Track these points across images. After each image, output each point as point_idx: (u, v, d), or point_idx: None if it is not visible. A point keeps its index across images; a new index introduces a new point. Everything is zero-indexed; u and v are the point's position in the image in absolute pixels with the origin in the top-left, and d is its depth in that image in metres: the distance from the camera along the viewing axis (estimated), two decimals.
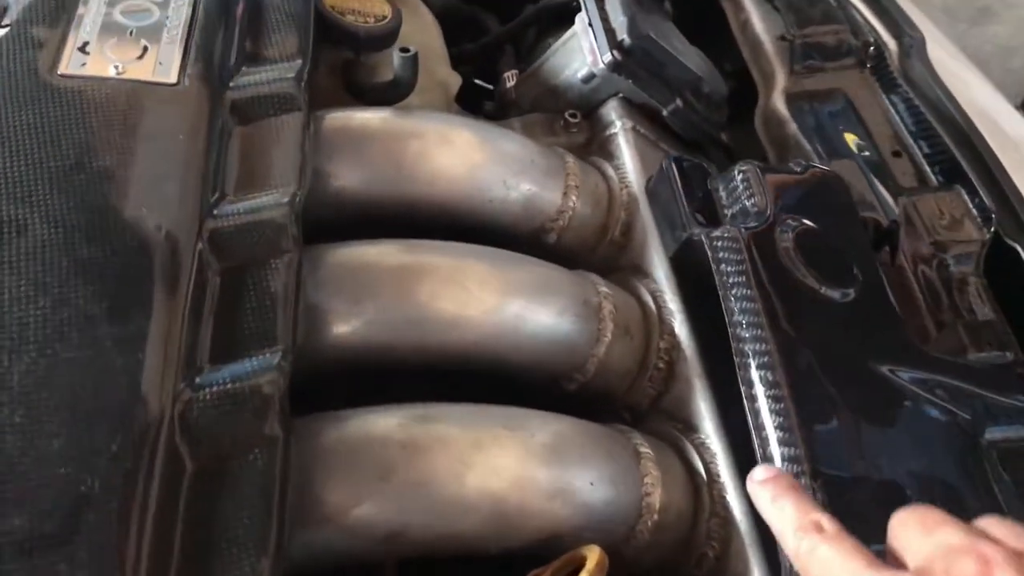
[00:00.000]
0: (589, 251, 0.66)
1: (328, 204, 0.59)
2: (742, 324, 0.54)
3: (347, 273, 0.55)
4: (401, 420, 0.49)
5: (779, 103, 0.84)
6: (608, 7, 0.71)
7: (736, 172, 0.63)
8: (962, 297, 0.71)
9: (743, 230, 0.58)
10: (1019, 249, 0.71)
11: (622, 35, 0.69)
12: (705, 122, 0.75)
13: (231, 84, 0.57)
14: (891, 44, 0.88)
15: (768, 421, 0.51)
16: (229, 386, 0.44)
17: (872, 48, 0.88)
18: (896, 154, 0.81)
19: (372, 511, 0.46)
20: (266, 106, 0.56)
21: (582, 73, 0.71)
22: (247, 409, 0.44)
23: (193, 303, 0.46)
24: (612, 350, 0.58)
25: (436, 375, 0.56)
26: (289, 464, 0.44)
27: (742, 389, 0.52)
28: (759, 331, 0.54)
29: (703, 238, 0.58)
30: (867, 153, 0.81)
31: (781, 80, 0.87)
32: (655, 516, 0.51)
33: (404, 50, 0.62)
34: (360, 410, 0.50)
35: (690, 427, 0.56)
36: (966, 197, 0.75)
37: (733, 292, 0.55)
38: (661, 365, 0.59)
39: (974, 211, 0.74)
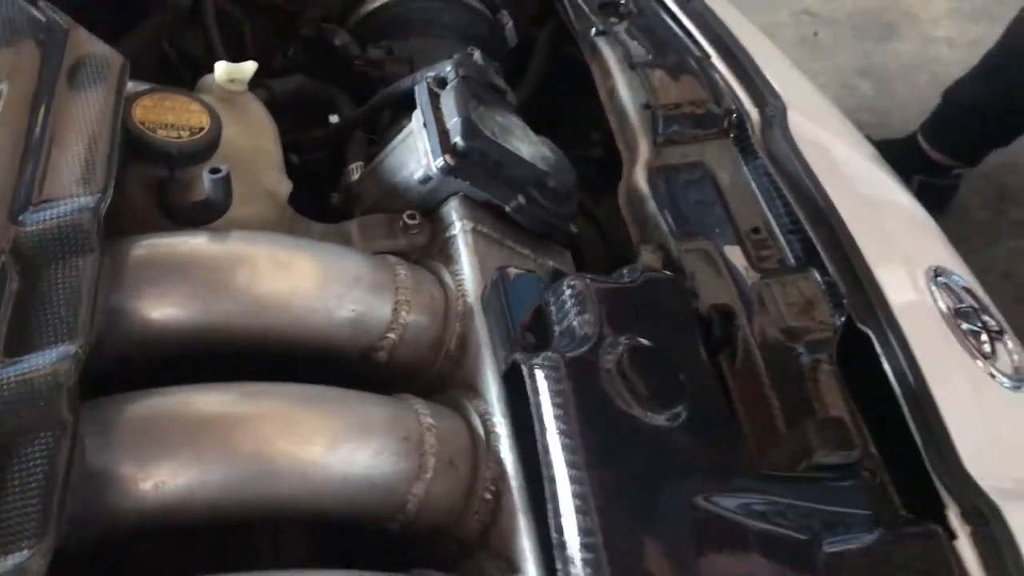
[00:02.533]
0: (426, 366, 0.64)
1: (136, 343, 0.56)
2: (555, 463, 0.52)
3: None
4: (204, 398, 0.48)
5: (640, 178, 0.83)
6: (443, 105, 0.69)
7: (565, 287, 0.61)
8: (814, 387, 0.70)
9: (565, 355, 0.56)
10: (871, 335, 0.71)
11: (455, 138, 0.66)
12: (553, 215, 0.73)
13: (21, 219, 0.54)
14: (753, 113, 0.87)
15: (580, 572, 0.49)
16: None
17: (734, 116, 0.87)
18: (755, 231, 0.80)
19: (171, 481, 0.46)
20: (54, 247, 0.53)
21: (418, 175, 0.69)
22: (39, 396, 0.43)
23: None
24: (434, 487, 0.56)
25: None
26: (76, 447, 0.45)
27: (553, 536, 0.51)
28: (575, 471, 0.52)
29: (522, 364, 0.56)
30: (725, 232, 0.80)
31: (644, 153, 0.85)
32: None
33: (215, 171, 0.59)
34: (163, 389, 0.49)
35: (512, 568, 0.55)
36: (819, 279, 0.74)
37: (549, 426, 0.54)
38: (487, 496, 0.57)
39: (824, 293, 0.73)
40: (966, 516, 0.61)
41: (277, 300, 0.59)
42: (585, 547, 0.50)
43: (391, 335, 0.62)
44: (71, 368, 0.48)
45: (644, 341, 0.59)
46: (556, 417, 0.54)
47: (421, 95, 0.69)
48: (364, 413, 0.56)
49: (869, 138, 1.78)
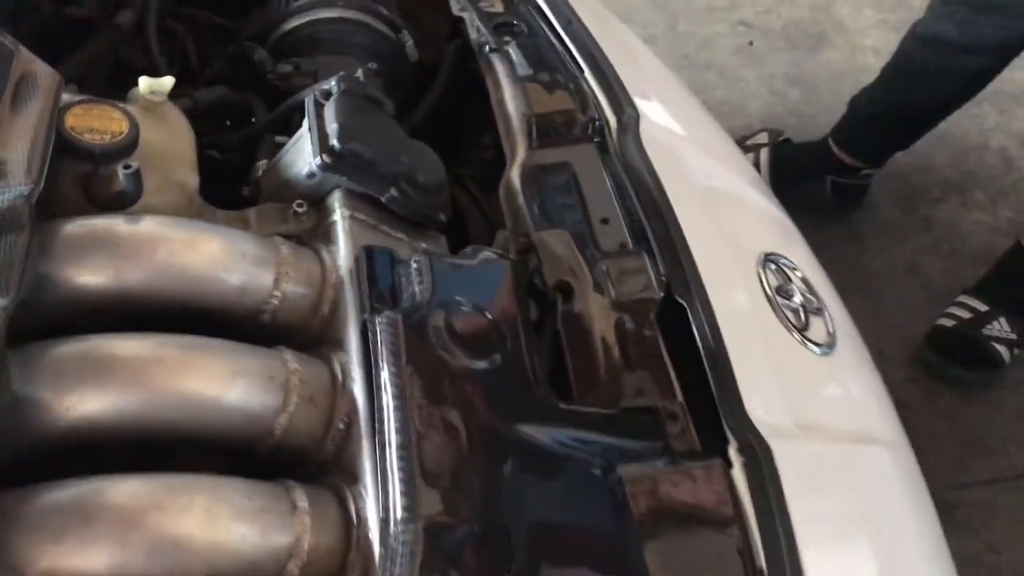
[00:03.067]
0: (304, 327, 0.79)
1: (58, 306, 0.71)
2: (386, 396, 0.67)
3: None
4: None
5: (515, 176, 0.98)
6: (326, 113, 0.83)
7: (412, 261, 0.76)
8: (635, 348, 0.84)
9: (402, 314, 0.71)
10: (686, 306, 0.85)
11: (332, 140, 0.81)
12: (423, 206, 0.87)
13: None
14: (612, 121, 1.02)
15: (395, 478, 0.64)
16: None
17: (596, 124, 1.01)
18: (604, 220, 0.94)
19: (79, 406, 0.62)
20: None
21: (305, 171, 0.83)
22: None
23: None
24: (296, 418, 0.70)
25: None
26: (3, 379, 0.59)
27: (377, 451, 0.65)
28: (399, 402, 0.67)
29: (367, 321, 0.71)
30: (579, 221, 0.94)
31: (520, 154, 1.00)
32: (304, 557, 0.64)
33: (127, 166, 0.74)
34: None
35: (354, 479, 0.69)
36: (647, 260, 0.88)
37: (383, 368, 0.68)
38: (341, 426, 0.72)
39: (651, 271, 0.87)
40: (741, 450, 0.76)
41: (178, 270, 0.74)
42: (400, 458, 0.64)
43: (273, 300, 0.77)
44: (1, 317, 0.62)
45: (469, 305, 0.74)
46: (388, 361, 0.68)
47: (308, 105, 0.84)
48: (240, 358, 0.71)
49: (788, 140, 1.94)
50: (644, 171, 0.95)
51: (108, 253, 0.73)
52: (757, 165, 1.93)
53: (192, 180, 0.83)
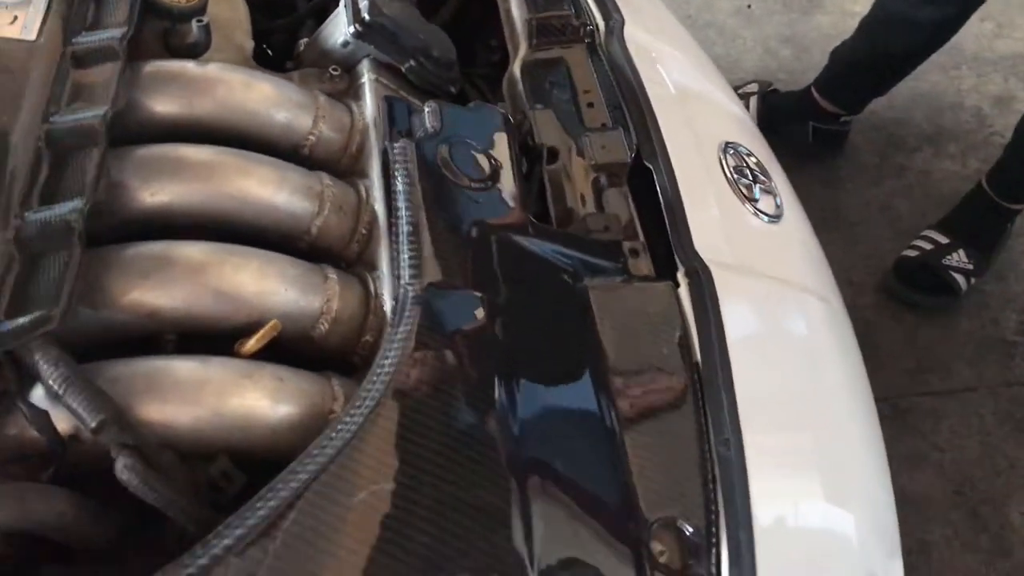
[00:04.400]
0: (336, 160, 0.97)
1: (141, 126, 0.89)
2: (399, 199, 0.85)
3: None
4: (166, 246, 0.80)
5: (516, 69, 1.15)
6: None
7: (426, 106, 0.94)
8: (608, 202, 1.02)
9: (414, 144, 0.89)
10: (651, 168, 1.02)
11: (364, 13, 0.99)
12: (436, 77, 1.05)
13: (74, 41, 0.88)
14: (601, 25, 1.19)
15: (406, 254, 0.82)
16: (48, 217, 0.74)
17: (588, 27, 1.19)
18: (589, 105, 1.12)
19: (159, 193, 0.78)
20: (95, 56, 0.87)
21: (340, 40, 1.02)
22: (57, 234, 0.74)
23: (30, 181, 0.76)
24: (328, 220, 0.88)
25: None
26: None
27: (392, 240, 0.83)
28: (409, 201, 0.85)
29: (387, 148, 0.89)
30: (568, 103, 1.12)
31: (522, 52, 1.17)
32: (332, 315, 0.82)
33: (200, 20, 0.92)
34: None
35: (374, 268, 0.87)
36: (623, 135, 1.06)
37: (398, 179, 0.86)
38: (364, 232, 0.90)
39: (625, 143, 1.05)
40: (688, 274, 0.93)
41: (237, 104, 0.92)
42: (410, 245, 0.82)
43: (311, 138, 0.95)
44: (79, 216, 0.76)
45: (470, 141, 0.92)
46: (402, 174, 0.86)
47: None
48: (287, 172, 0.89)
49: (776, 90, 2.10)
50: (625, 66, 1.12)
51: (182, 87, 0.91)
52: (746, 111, 2.10)
53: (247, 44, 1.01)
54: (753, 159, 1.17)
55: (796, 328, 1.02)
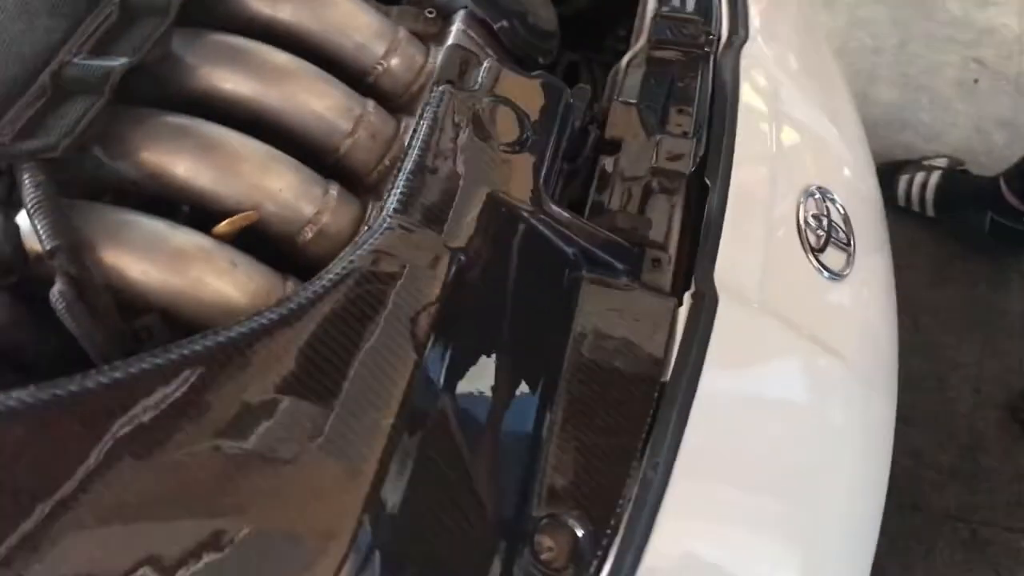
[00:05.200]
0: (397, 95, 1.00)
1: (221, 13, 0.96)
2: (416, 139, 0.87)
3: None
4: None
5: (624, 61, 1.14)
6: None
7: (486, 60, 0.95)
8: (652, 208, 0.99)
9: (454, 92, 0.91)
10: (708, 184, 0.99)
11: None
12: (528, 44, 1.06)
13: None
14: (724, 37, 1.15)
15: (399, 189, 0.83)
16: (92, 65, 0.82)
17: (710, 36, 1.15)
18: (680, 111, 1.09)
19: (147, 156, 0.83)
20: None
21: None
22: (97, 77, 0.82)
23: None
24: (358, 144, 0.92)
25: None
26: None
27: (395, 175, 0.86)
28: (423, 145, 0.86)
29: (436, 94, 0.91)
30: (656, 106, 1.09)
31: (637, 46, 1.16)
32: (318, 227, 0.85)
33: None
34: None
35: (379, 199, 0.90)
36: (693, 145, 1.02)
37: (423, 122, 0.88)
38: (387, 163, 0.92)
39: (691, 155, 1.01)
40: (694, 295, 0.89)
41: (316, 14, 0.97)
42: (407, 178, 0.83)
43: (379, 67, 0.98)
44: (119, 70, 0.82)
45: (514, 105, 0.92)
46: (428, 117, 0.88)
47: None
48: (334, 88, 0.93)
49: (966, 171, 1.93)
50: (728, 83, 1.08)
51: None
52: (925, 185, 1.95)
53: None
54: (841, 212, 1.10)
55: (796, 388, 0.95)
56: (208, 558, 0.62)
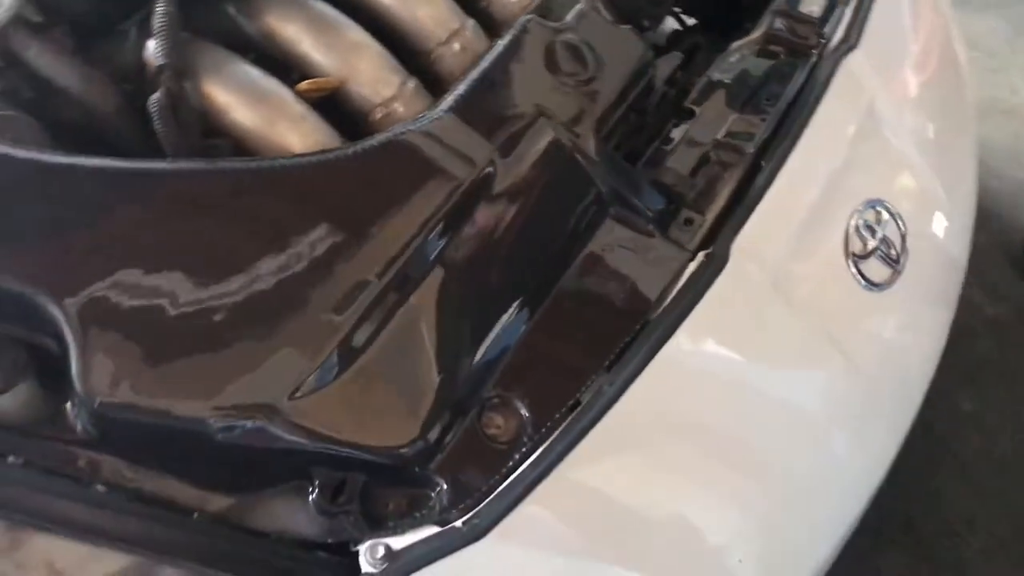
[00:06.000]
0: (507, 19, 1.10)
1: None
2: (488, 54, 0.97)
3: None
4: None
5: (733, 45, 1.20)
6: None
7: (582, 3, 1.03)
8: (706, 171, 1.05)
9: (535, 23, 1.00)
10: (764, 167, 1.04)
11: None
12: (636, 7, 1.14)
13: None
14: (834, 41, 1.18)
15: (457, 93, 0.94)
16: None
17: (821, 40, 1.19)
18: (768, 99, 1.14)
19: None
20: None
21: None
22: None
23: None
24: (448, 52, 1.04)
25: None
26: None
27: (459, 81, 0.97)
28: (493, 59, 0.96)
29: (521, 19, 1.01)
30: (746, 91, 1.14)
31: (750, 36, 1.21)
32: (390, 110, 0.98)
33: None
34: None
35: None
36: (762, 129, 1.07)
37: (500, 41, 0.98)
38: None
39: (757, 138, 1.06)
40: (707, 255, 0.96)
41: None
42: (467, 87, 0.94)
43: None
44: None
45: (591, 47, 1.01)
46: (506, 40, 0.98)
47: None
48: (440, 4, 1.05)
49: None
50: (819, 84, 1.12)
51: None
52: None
53: None
54: (900, 231, 1.11)
55: (778, 366, 0.99)
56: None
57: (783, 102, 1.11)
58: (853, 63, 1.16)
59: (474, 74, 0.95)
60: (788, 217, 1.03)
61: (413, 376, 0.83)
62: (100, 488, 0.76)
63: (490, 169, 0.89)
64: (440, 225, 0.86)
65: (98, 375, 0.75)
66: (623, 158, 1.05)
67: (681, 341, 0.90)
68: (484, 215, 0.89)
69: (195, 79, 0.90)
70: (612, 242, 0.95)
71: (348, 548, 0.80)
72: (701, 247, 0.97)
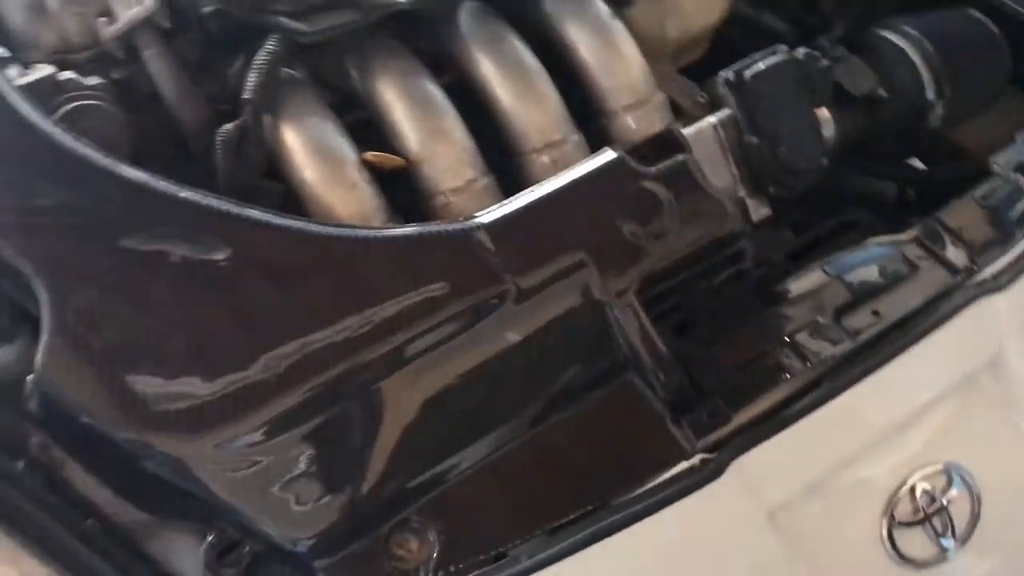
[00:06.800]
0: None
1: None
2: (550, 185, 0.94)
3: None
4: None
5: (877, 239, 1.09)
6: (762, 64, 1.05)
7: (681, 156, 0.97)
8: (751, 370, 0.96)
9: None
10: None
11: (746, 74, 1.04)
12: (769, 169, 1.05)
13: None
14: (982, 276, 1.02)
15: None
16: None
17: (969, 267, 1.03)
18: (872, 311, 1.01)
19: None
20: None
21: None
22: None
23: None
24: (538, 162, 1.02)
25: None
26: None
27: None
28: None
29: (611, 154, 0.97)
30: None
31: (902, 235, 1.08)
32: (448, 201, 0.97)
33: None
34: None
35: None
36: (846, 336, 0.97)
37: (580, 170, 0.95)
38: None
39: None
40: (702, 460, 0.87)
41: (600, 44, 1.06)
42: None
43: (616, 113, 1.06)
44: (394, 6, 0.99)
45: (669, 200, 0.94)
46: (586, 170, 0.94)
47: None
48: (555, 109, 1.03)
49: None
50: (941, 313, 0.98)
51: None
52: None
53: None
54: (970, 514, 0.96)
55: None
56: None
57: (888, 321, 0.99)
58: (994, 304, 1.01)
59: (533, 195, 0.92)
60: (827, 449, 0.92)
61: (341, 470, 0.82)
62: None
63: (494, 299, 0.85)
64: (425, 332, 0.84)
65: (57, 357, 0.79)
66: (678, 324, 0.99)
67: (637, 532, 0.83)
68: (478, 338, 0.86)
69: (275, 119, 0.94)
70: (611, 408, 0.90)
71: None
72: (713, 447, 0.89)
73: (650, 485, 0.86)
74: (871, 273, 1.05)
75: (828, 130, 1.10)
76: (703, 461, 0.87)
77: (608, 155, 0.95)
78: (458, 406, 0.86)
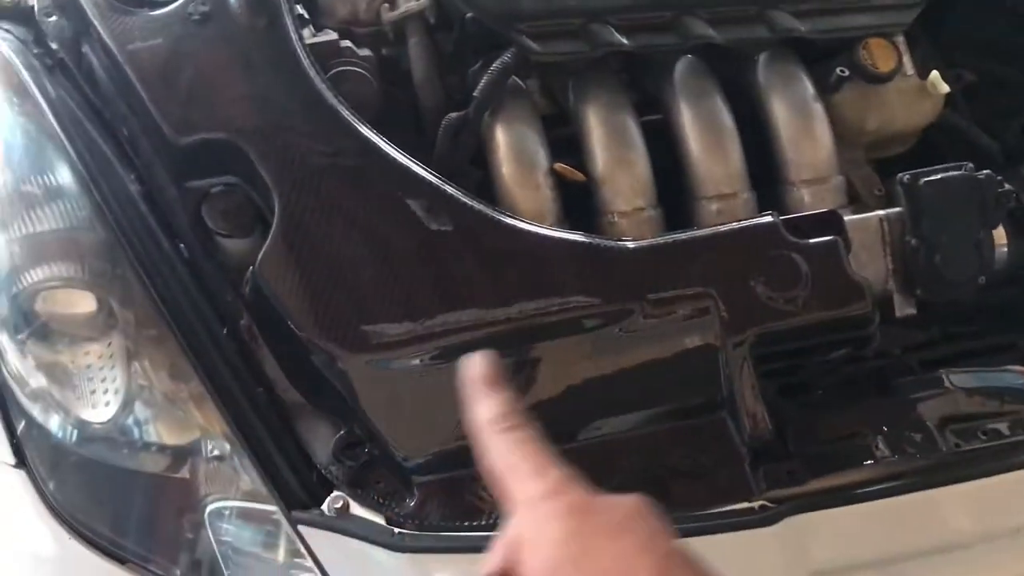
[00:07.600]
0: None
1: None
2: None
3: None
4: None
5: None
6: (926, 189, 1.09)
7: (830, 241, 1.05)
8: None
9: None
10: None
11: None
12: (918, 276, 1.10)
13: None
14: None
15: None
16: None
17: None
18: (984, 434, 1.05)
19: None
20: None
21: None
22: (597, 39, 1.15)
23: None
24: (707, 209, 1.13)
25: None
26: None
27: None
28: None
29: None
30: None
31: None
32: (616, 222, 1.11)
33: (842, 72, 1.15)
34: None
35: None
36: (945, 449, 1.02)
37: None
38: None
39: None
40: (760, 507, 0.96)
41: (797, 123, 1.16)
42: None
43: (792, 186, 1.15)
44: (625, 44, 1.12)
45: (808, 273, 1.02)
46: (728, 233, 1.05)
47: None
48: (736, 163, 1.14)
49: None
50: None
51: None
52: None
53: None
54: None
55: None
56: None
57: (993, 443, 1.03)
58: None
59: (686, 234, 1.04)
60: (885, 535, 0.98)
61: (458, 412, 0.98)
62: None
63: (627, 310, 0.98)
64: (565, 320, 0.97)
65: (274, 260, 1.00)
66: (789, 385, 1.07)
67: None
68: (605, 335, 0.98)
69: (492, 118, 1.12)
70: (699, 437, 1.00)
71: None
72: (779, 500, 0.98)
73: (707, 511, 0.95)
74: (995, 398, 1.08)
75: (998, 251, 1.13)
76: (762, 507, 0.96)
77: (766, 219, 1.05)
78: (570, 388, 0.98)
